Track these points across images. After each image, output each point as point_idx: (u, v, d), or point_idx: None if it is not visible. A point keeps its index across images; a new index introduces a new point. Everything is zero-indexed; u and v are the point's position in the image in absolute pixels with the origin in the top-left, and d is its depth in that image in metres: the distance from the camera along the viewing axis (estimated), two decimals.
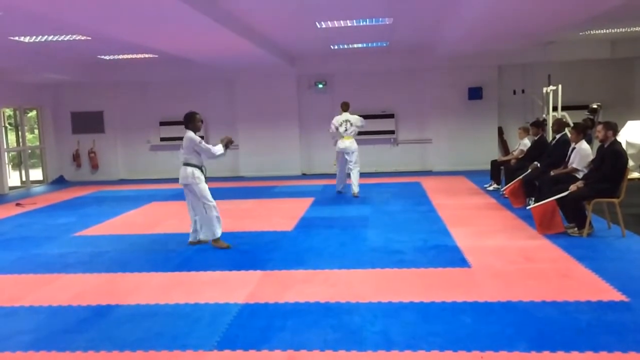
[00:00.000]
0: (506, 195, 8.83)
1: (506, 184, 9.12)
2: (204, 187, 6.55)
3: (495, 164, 10.54)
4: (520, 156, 9.82)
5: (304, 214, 8.69)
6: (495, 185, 10.32)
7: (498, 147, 13.76)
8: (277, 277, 5.42)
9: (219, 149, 6.61)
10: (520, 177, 8.44)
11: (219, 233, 6.59)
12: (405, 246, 6.40)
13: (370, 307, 4.49)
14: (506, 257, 5.80)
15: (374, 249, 6.37)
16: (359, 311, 4.41)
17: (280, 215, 8.55)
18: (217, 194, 10.58)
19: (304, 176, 14.01)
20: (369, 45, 12.06)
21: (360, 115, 13.90)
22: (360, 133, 13.87)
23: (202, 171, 6.60)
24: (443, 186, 11.17)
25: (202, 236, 6.80)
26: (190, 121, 6.62)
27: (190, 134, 6.55)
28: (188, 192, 6.69)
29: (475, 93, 13.49)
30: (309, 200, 9.94)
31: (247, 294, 4.91)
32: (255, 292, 4.96)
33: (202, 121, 6.75)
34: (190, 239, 6.86)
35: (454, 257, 5.85)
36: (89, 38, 9.50)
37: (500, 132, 13.88)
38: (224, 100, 14.15)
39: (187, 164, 6.55)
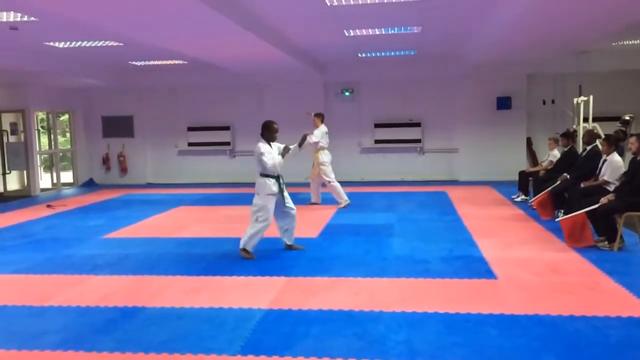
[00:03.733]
0: (534, 207, 8.70)
1: (534, 195, 8.97)
2: (263, 201, 6.37)
3: (523, 174, 10.39)
4: (549, 167, 9.67)
5: (329, 221, 8.69)
6: (523, 197, 10.17)
7: (526, 158, 13.57)
8: (301, 283, 5.43)
9: (272, 161, 6.35)
10: (549, 188, 8.31)
11: (250, 246, 6.43)
12: (430, 256, 6.35)
13: (394, 316, 4.46)
14: (533, 269, 5.71)
15: (398, 257, 6.33)
16: (382, 320, 4.38)
17: (305, 222, 8.55)
18: (242, 199, 10.71)
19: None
20: (397, 53, 12.05)
21: (387, 124, 13.98)
22: (386, 141, 13.95)
23: (277, 180, 6.45)
24: (469, 196, 11.05)
25: (289, 240, 6.75)
26: (266, 130, 6.51)
27: (259, 144, 6.41)
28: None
29: (503, 103, 13.33)
30: (334, 208, 9.93)
31: (271, 299, 4.93)
32: (279, 298, 4.98)
33: (277, 130, 6.56)
34: (285, 243, 6.80)
35: (480, 268, 5.78)
36: (121, 44, 9.70)
37: (529, 142, 13.69)
38: (252, 106, 14.25)
39: (261, 174, 6.42)
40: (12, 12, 7.10)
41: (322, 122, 10.21)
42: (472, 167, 13.66)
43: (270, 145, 6.50)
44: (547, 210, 8.27)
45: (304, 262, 6.20)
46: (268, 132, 6.50)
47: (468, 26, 9.04)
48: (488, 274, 5.58)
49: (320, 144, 10.03)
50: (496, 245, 6.75)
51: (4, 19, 7.44)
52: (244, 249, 6.45)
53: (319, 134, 10.01)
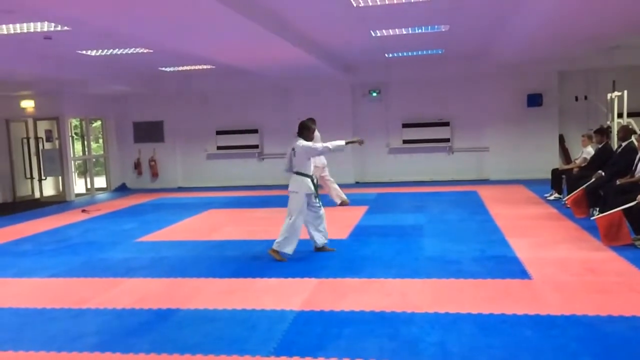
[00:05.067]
0: (568, 205, 8.53)
1: (568, 194, 8.80)
2: (299, 200, 6.42)
3: (556, 172, 10.20)
4: (583, 164, 9.48)
5: (358, 222, 8.68)
6: (556, 195, 9.98)
7: (559, 156, 13.32)
8: (332, 284, 5.43)
9: (337, 144, 6.52)
10: (584, 186, 8.13)
11: (284, 248, 6.42)
12: (462, 256, 6.28)
13: (426, 317, 4.43)
14: (569, 269, 5.59)
15: (430, 258, 6.28)
16: (415, 321, 4.35)
17: (335, 223, 8.54)
18: (271, 201, 10.78)
19: (358, 184, 13.99)
20: (424, 52, 11.96)
21: (415, 124, 13.89)
22: (414, 141, 13.86)
23: (312, 180, 6.52)
24: (501, 195, 10.90)
25: (320, 241, 6.75)
26: (305, 129, 6.59)
27: (302, 142, 6.49)
28: (291, 199, 6.57)
29: (534, 100, 13.11)
30: (363, 209, 9.91)
31: (302, 301, 4.94)
32: (310, 299, 4.99)
33: (314, 131, 6.72)
34: (315, 245, 6.80)
35: (514, 269, 5.69)
36: (151, 51, 9.87)
37: (562, 140, 13.43)
38: (279, 109, 14.33)
39: (298, 173, 6.49)
40: (46, 22, 7.30)
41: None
42: (503, 166, 13.47)
43: None
44: (582, 209, 8.10)
45: (335, 264, 6.20)
46: (307, 132, 6.57)
47: (497, 24, 8.92)
48: (522, 274, 5.49)
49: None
50: (530, 245, 6.64)
51: (39, 29, 7.65)
52: (275, 250, 6.47)
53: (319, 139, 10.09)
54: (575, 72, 13.13)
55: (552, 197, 10.01)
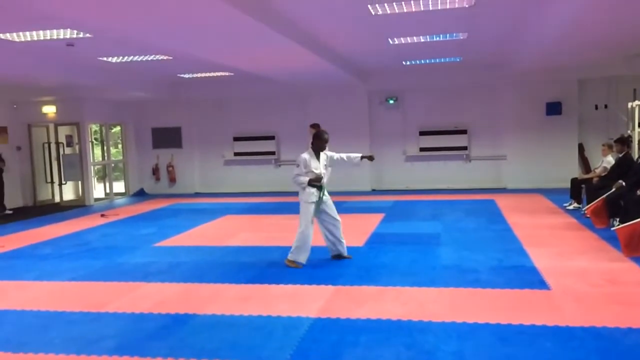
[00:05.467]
0: (588, 215, 8.42)
1: (588, 203, 8.69)
2: (309, 209, 6.39)
3: (576, 182, 10.09)
4: (603, 174, 9.36)
5: (374, 230, 8.66)
6: (575, 205, 9.87)
7: (578, 165, 13.17)
8: (349, 292, 5.42)
9: (299, 181, 6.36)
10: (604, 196, 8.03)
11: (298, 257, 6.43)
12: (479, 265, 6.23)
13: (444, 326, 4.40)
14: (589, 279, 5.52)
15: (447, 267, 6.25)
16: (432, 330, 4.33)
17: (351, 231, 8.52)
18: (288, 208, 10.80)
19: (374, 192, 13.97)
20: (442, 60, 11.94)
21: (432, 131, 13.84)
22: (431, 149, 13.81)
23: (319, 190, 6.43)
24: (519, 204, 10.80)
25: (340, 250, 6.71)
26: (317, 139, 6.50)
27: (302, 154, 6.47)
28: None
29: (553, 108, 13.00)
30: (380, 216, 9.89)
31: (318, 308, 4.94)
32: (326, 306, 4.99)
33: (327, 140, 6.53)
34: (332, 253, 6.78)
35: (532, 279, 5.63)
36: (171, 58, 9.99)
37: (581, 148, 13.28)
38: (297, 116, 14.38)
39: None
40: (68, 29, 7.43)
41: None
42: (521, 175, 13.36)
43: (318, 155, 6.52)
44: (602, 219, 7.99)
45: (352, 271, 6.20)
46: (319, 142, 6.52)
47: (516, 32, 8.88)
48: (541, 284, 5.43)
49: None
50: (549, 255, 6.57)
51: (62, 36, 7.79)
52: (290, 260, 6.48)
53: None
54: (595, 80, 12.99)
55: (571, 207, 9.90)
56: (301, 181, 6.37)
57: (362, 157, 6.82)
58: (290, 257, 6.49)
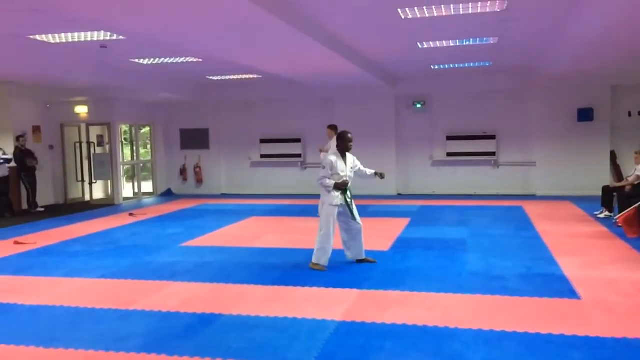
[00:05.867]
0: (619, 224, 8.23)
1: (620, 212, 8.50)
2: (331, 212, 6.37)
3: (607, 190, 9.88)
4: (636, 182, 9.15)
5: (400, 234, 8.62)
6: (607, 213, 9.66)
7: (610, 173, 12.89)
8: (374, 296, 5.40)
9: (326, 183, 6.33)
10: (636, 205, 7.84)
11: (321, 260, 6.43)
12: (507, 272, 6.15)
13: (470, 333, 4.35)
14: (620, 290, 5.40)
15: (473, 273, 6.18)
16: (458, 337, 4.29)
17: (376, 235, 8.50)
18: (313, 211, 10.78)
19: (400, 196, 13.90)
20: (471, 64, 11.83)
21: (460, 136, 13.72)
22: (458, 154, 13.68)
23: (343, 193, 6.41)
24: (548, 211, 10.62)
25: (362, 254, 6.69)
26: (340, 140, 6.49)
27: (329, 156, 6.48)
28: (320, 210, 6.59)
29: (585, 114, 12.75)
30: (405, 221, 9.84)
31: (344, 311, 4.93)
32: (352, 310, 4.98)
33: (351, 140, 6.48)
34: (355, 257, 6.75)
35: (562, 288, 5.53)
36: (200, 60, 10.11)
37: (613, 156, 13.00)
38: (323, 119, 14.35)
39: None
40: (102, 31, 7.58)
41: (335, 133, 10.17)
42: (551, 182, 13.14)
43: (345, 155, 6.50)
44: (634, 228, 7.80)
45: (377, 275, 6.17)
46: (342, 142, 6.48)
47: (548, 37, 8.75)
48: (571, 293, 5.33)
49: None
50: (579, 264, 6.45)
51: (95, 38, 7.95)
52: (314, 263, 6.49)
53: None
54: (629, 87, 12.72)
55: (602, 215, 9.70)
56: (327, 184, 6.34)
57: (375, 173, 6.75)
58: (314, 260, 6.50)
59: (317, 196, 6.73)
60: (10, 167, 11.75)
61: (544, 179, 13.24)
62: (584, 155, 12.89)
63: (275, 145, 14.86)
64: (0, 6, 6.00)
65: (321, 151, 6.78)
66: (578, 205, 11.23)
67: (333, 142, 10.14)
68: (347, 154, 6.53)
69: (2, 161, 11.40)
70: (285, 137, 14.78)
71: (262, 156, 15.03)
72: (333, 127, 10.32)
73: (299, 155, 14.72)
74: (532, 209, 10.91)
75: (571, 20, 7.54)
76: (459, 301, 5.19)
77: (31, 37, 7.71)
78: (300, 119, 14.67)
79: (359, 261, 6.74)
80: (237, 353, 4.07)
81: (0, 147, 11.54)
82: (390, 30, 7.96)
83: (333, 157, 6.43)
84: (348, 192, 6.50)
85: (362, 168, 6.78)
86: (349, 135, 6.49)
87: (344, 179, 6.40)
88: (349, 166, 6.51)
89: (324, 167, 6.41)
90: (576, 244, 7.62)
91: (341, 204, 6.44)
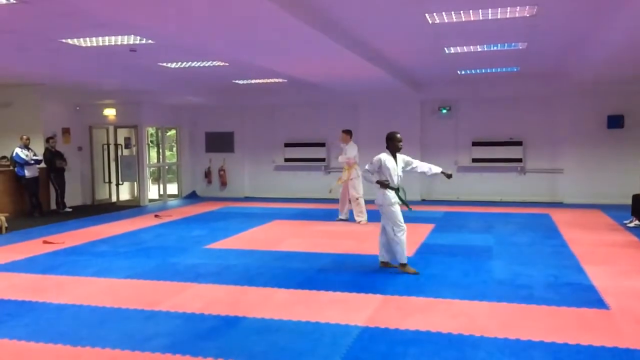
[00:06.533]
0: None
1: None
2: (395, 210, 6.40)
3: (638, 198, 9.66)
4: None
5: (424, 240, 8.55)
6: (637, 222, 9.44)
7: None
8: (398, 302, 5.37)
9: (367, 177, 6.60)
10: None
11: (404, 258, 6.46)
12: (533, 281, 6.05)
13: (496, 342, 4.29)
14: None
15: (499, 281, 6.09)
16: (483, 346, 4.23)
17: None
18: (336, 215, 10.79)
19: (424, 202, 13.79)
20: (498, 70, 11.69)
21: (486, 142, 13.58)
22: (484, 160, 13.52)
23: (397, 193, 6.48)
24: (576, 220, 10.43)
25: (389, 258, 6.72)
26: (390, 140, 6.52)
27: (379, 155, 6.52)
28: (382, 214, 6.57)
29: (615, 121, 12.51)
30: (430, 227, 9.76)
31: (367, 317, 4.91)
32: (375, 316, 4.95)
33: (401, 140, 6.53)
34: (380, 259, 6.79)
35: (590, 297, 5.42)
36: (227, 64, 10.20)
37: None
38: (348, 123, 14.28)
39: (380, 185, 6.49)
40: (132, 35, 7.70)
41: (351, 138, 10.40)
42: (579, 189, 12.90)
43: (395, 156, 6.53)
44: None
45: (401, 281, 6.13)
46: (392, 143, 6.51)
47: (579, 41, 8.60)
48: (599, 303, 5.22)
49: (354, 159, 10.29)
50: (608, 274, 6.31)
51: (125, 42, 8.08)
52: (404, 264, 6.46)
53: (354, 151, 10.33)
54: None
55: (632, 225, 9.48)
56: (369, 178, 6.52)
57: (442, 172, 6.73)
58: (403, 260, 6.45)
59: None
60: (40, 168, 12.01)
61: (572, 187, 13.01)
62: (614, 162, 12.63)
63: (299, 149, 14.90)
64: (33, 11, 6.14)
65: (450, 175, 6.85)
66: (607, 213, 11.00)
67: (349, 148, 10.24)
68: (397, 154, 6.54)
69: (32, 162, 11.66)
70: (309, 141, 14.80)
71: (286, 160, 15.07)
72: (348, 132, 10.41)
73: (322, 160, 14.72)
74: (559, 217, 10.73)
75: (602, 26, 7.40)
76: (484, 309, 5.12)
77: (63, 40, 7.86)
78: (325, 123, 14.68)
79: (383, 265, 6.71)
80: (259, 356, 4.08)
81: (30, 148, 11.79)
82: (418, 35, 7.92)
83: (383, 156, 6.48)
84: (401, 192, 6.54)
85: (421, 166, 6.70)
86: (398, 135, 6.54)
87: (394, 177, 6.44)
88: (399, 166, 6.54)
89: (370, 163, 6.48)
90: (605, 253, 7.46)
91: (397, 202, 6.47)
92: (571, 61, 10.42)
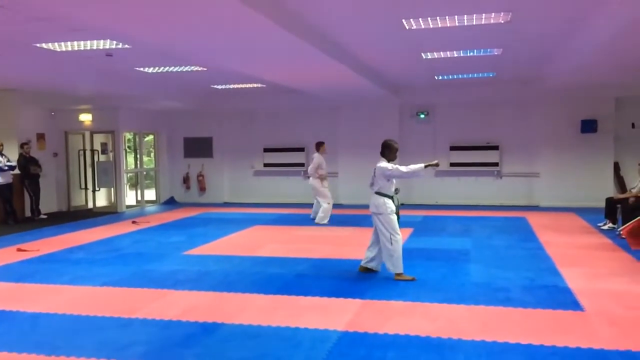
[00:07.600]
0: (623, 236, 8.17)
1: (623, 224, 8.46)
2: (393, 219, 6.43)
3: (611, 201, 9.85)
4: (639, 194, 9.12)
5: (403, 244, 8.55)
6: (610, 225, 9.63)
7: (614, 184, 12.86)
8: (377, 306, 5.38)
9: (415, 168, 6.39)
10: None
11: (400, 267, 6.43)
12: (510, 284, 6.12)
13: (474, 345, 4.33)
14: (625, 302, 5.37)
15: (477, 284, 6.15)
16: (461, 348, 4.26)
17: None
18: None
19: (402, 206, 13.80)
20: (475, 75, 11.85)
21: (463, 147, 13.73)
22: (462, 164, 13.66)
23: (393, 201, 6.51)
24: (551, 223, 10.59)
25: (373, 265, 6.70)
26: (387, 148, 6.55)
27: (382, 162, 6.50)
28: (376, 221, 6.58)
29: (588, 126, 12.76)
30: (408, 231, 9.81)
31: (346, 321, 4.91)
32: (354, 320, 4.96)
33: (398, 149, 6.61)
34: (362, 264, 6.78)
35: (565, 299, 5.50)
36: (205, 69, 10.15)
37: (617, 168, 12.98)
38: (326, 128, 14.40)
39: (378, 193, 6.50)
40: (108, 40, 7.62)
41: (318, 149, 11.24)
42: (554, 193, 13.11)
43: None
44: (638, 240, 7.76)
45: (379, 285, 6.16)
46: (389, 151, 6.54)
47: (553, 49, 8.77)
48: (574, 305, 5.30)
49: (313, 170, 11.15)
50: (582, 276, 6.42)
51: (101, 47, 7.99)
52: (400, 273, 6.41)
53: (316, 161, 11.13)
54: (633, 98, 12.71)
55: (606, 227, 9.67)
56: (414, 168, 6.38)
57: (425, 166, 6.47)
58: (397, 270, 6.41)
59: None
60: (13, 174, 11.79)
61: (548, 190, 13.22)
62: (588, 166, 12.88)
63: (278, 154, 14.88)
64: (7, 14, 6.04)
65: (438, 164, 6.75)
66: (581, 216, 11.20)
67: (316, 157, 11.02)
68: (392, 163, 6.54)
69: (6, 168, 11.44)
70: (288, 146, 14.80)
71: (265, 165, 15.05)
72: (320, 144, 11.29)
73: (302, 165, 14.71)
74: (535, 220, 10.88)
75: (575, 33, 7.55)
76: (462, 312, 5.17)
77: (37, 45, 7.74)
78: (304, 128, 14.69)
79: (363, 269, 6.72)
80: None
81: (4, 154, 11.57)
82: (395, 40, 7.99)
83: (387, 163, 6.49)
84: (395, 199, 6.58)
85: (406, 169, 6.56)
86: (396, 145, 6.59)
87: (393, 185, 6.53)
88: None
89: (390, 168, 6.39)
90: (580, 256, 7.59)
91: (395, 210, 6.50)
92: (545, 67, 10.61)
